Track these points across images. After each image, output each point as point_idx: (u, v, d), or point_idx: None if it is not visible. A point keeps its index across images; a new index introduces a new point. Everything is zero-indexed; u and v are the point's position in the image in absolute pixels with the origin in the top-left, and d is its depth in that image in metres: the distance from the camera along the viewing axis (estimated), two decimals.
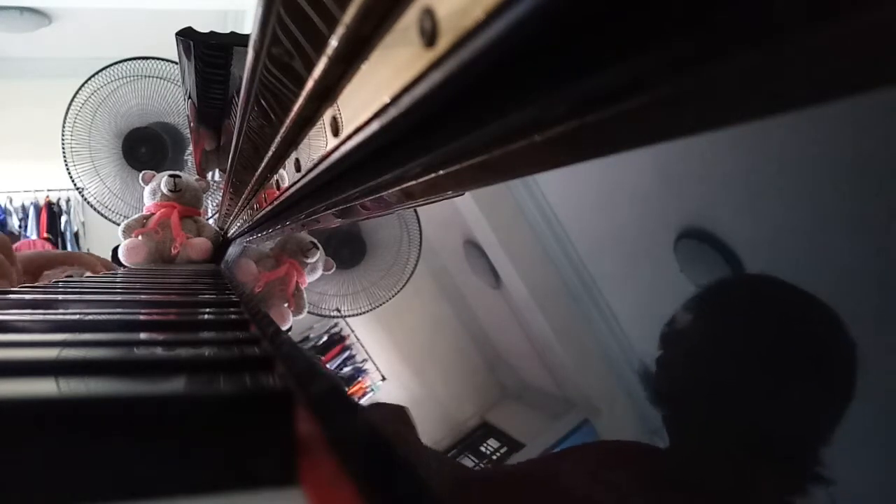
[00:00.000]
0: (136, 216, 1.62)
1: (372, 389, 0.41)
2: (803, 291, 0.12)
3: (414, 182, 0.25)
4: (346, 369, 0.46)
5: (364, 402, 0.40)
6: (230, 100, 1.06)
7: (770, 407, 0.13)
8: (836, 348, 0.12)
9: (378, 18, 0.21)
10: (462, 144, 0.19)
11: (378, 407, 0.39)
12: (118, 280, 0.77)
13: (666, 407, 0.17)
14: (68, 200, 4.85)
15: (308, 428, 0.23)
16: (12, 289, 0.54)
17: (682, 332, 0.16)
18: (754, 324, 0.14)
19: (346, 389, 0.42)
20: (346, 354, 0.48)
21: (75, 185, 2.32)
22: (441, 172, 0.22)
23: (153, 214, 1.59)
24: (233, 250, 1.40)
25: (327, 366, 0.49)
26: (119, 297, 0.54)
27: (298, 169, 0.43)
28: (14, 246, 0.73)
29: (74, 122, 2.27)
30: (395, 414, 0.33)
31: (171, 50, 1.19)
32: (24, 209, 4.80)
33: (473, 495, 0.24)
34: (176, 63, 1.29)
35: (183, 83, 1.21)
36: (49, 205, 4.82)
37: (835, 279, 0.12)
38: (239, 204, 1.01)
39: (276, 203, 0.59)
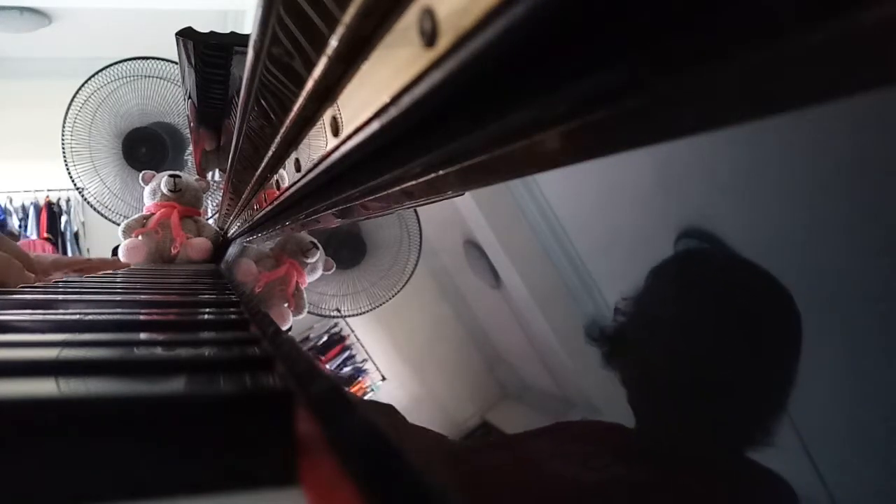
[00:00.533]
0: (136, 216, 1.62)
1: (372, 389, 0.41)
2: (742, 265, 0.13)
3: (414, 182, 0.25)
4: (346, 369, 0.46)
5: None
6: (230, 100, 1.06)
7: (720, 385, 0.14)
8: (782, 320, 0.12)
9: (378, 18, 0.21)
10: (462, 144, 0.19)
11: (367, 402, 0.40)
12: (118, 280, 0.77)
13: (631, 385, 0.17)
14: (68, 200, 4.85)
15: (308, 428, 0.23)
16: (12, 289, 0.54)
17: (642, 315, 0.17)
18: (703, 299, 0.15)
19: (346, 389, 0.42)
20: (346, 354, 0.48)
21: (75, 185, 2.32)
22: (441, 172, 0.22)
23: (153, 214, 1.59)
24: (233, 250, 1.40)
25: (327, 366, 0.49)
26: (119, 297, 0.54)
27: (298, 169, 0.43)
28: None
29: (74, 122, 2.27)
30: (383, 409, 0.33)
31: (171, 50, 1.19)
32: (24, 209, 4.80)
33: (453, 469, 0.24)
34: (176, 63, 1.29)
35: (183, 83, 1.21)
36: (49, 205, 4.82)
37: (834, 279, 0.12)
38: (239, 204, 1.01)
39: (276, 203, 0.59)
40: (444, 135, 0.20)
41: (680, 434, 0.16)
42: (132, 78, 2.25)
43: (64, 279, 0.72)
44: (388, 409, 0.34)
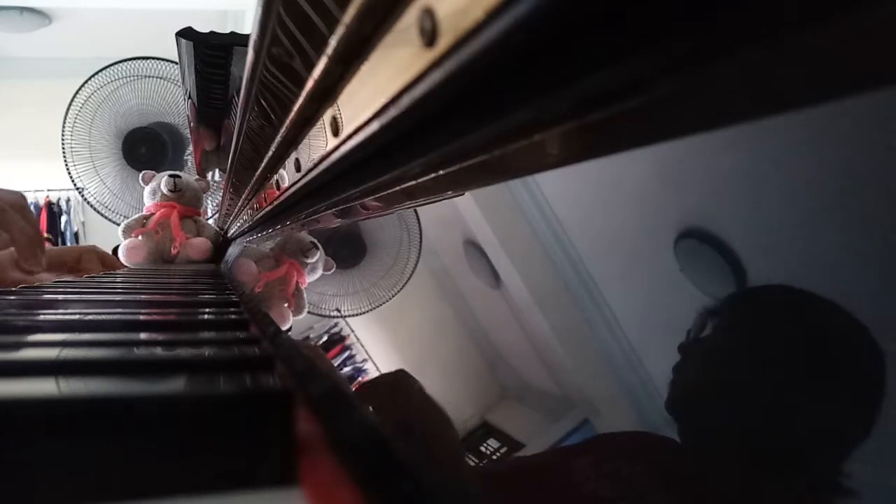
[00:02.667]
0: (136, 216, 1.62)
1: None
2: (825, 300, 0.12)
3: (414, 182, 0.25)
4: (346, 369, 0.46)
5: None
6: (230, 100, 1.06)
7: (781, 414, 0.13)
8: (860, 361, 0.11)
9: (378, 18, 0.21)
10: (462, 144, 0.19)
11: (372, 384, 0.39)
12: (118, 280, 0.77)
13: (680, 414, 0.16)
14: (68, 200, 4.84)
15: (308, 428, 0.23)
16: (12, 289, 0.54)
17: (699, 341, 0.16)
18: (773, 333, 0.14)
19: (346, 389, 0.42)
20: (346, 354, 0.48)
21: (75, 185, 2.32)
22: (441, 172, 0.22)
23: (153, 214, 1.59)
24: (233, 250, 1.40)
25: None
26: (119, 297, 0.54)
27: (298, 169, 0.43)
28: None
29: (74, 122, 2.27)
30: (392, 384, 0.33)
31: (171, 50, 1.19)
32: None
33: (484, 490, 0.24)
34: (176, 63, 1.29)
35: (183, 83, 1.21)
36: (49, 205, 4.82)
37: (834, 279, 0.12)
38: (239, 204, 1.01)
39: (276, 203, 0.59)
40: (444, 135, 0.20)
41: (720, 456, 0.15)
42: (132, 78, 2.25)
43: (64, 279, 0.72)
44: (397, 376, 0.33)
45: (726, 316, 0.15)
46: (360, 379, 0.44)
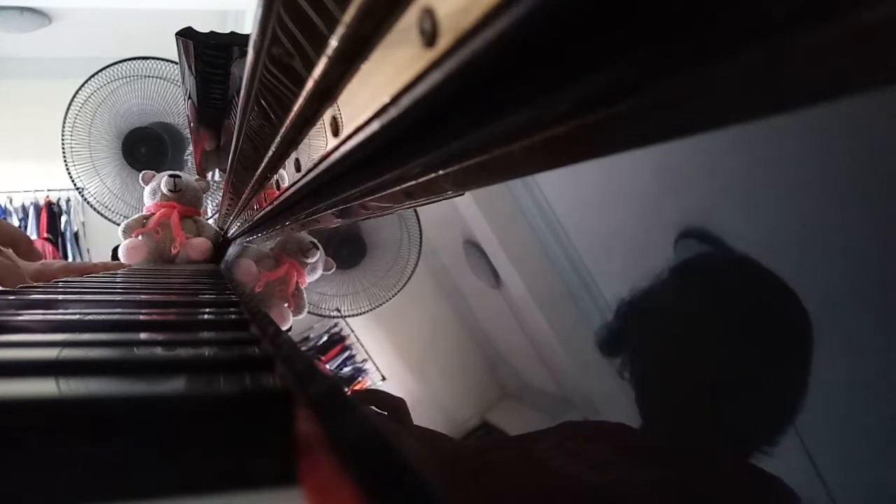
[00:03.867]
0: (136, 216, 1.62)
1: None
2: (756, 270, 0.13)
3: (414, 182, 0.25)
4: (346, 369, 0.46)
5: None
6: (230, 100, 1.06)
7: (727, 381, 0.14)
8: (787, 322, 0.12)
9: (378, 18, 0.21)
10: (462, 144, 0.19)
11: (376, 393, 0.40)
12: (118, 280, 0.77)
13: (639, 388, 0.17)
14: (68, 200, 4.84)
15: (308, 428, 0.23)
16: (12, 288, 0.54)
17: (653, 311, 0.17)
18: (717, 302, 0.15)
19: (347, 389, 0.42)
20: (346, 354, 0.48)
21: (75, 185, 2.32)
22: (441, 172, 0.22)
23: (153, 214, 1.59)
24: (233, 250, 1.40)
25: (327, 366, 0.49)
26: (119, 297, 0.54)
27: (298, 169, 0.43)
28: None
29: (74, 122, 2.27)
30: (392, 403, 0.33)
31: (171, 50, 1.19)
32: (24, 209, 4.80)
33: (459, 468, 0.24)
34: (176, 63, 1.29)
35: (183, 83, 1.21)
36: (49, 205, 4.82)
37: (834, 279, 0.12)
38: (239, 204, 1.01)
39: (276, 203, 0.59)
40: (444, 135, 0.20)
41: (685, 435, 0.16)
42: (132, 78, 2.25)
43: (64, 279, 0.72)
44: (398, 402, 0.34)
45: (671, 290, 0.16)
46: (360, 379, 0.44)
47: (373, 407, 0.36)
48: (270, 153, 0.52)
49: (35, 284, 0.61)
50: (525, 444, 0.22)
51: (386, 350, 0.44)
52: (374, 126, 0.23)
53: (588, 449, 0.19)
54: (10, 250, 0.69)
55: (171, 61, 2.07)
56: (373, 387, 0.41)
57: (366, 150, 0.27)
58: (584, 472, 0.18)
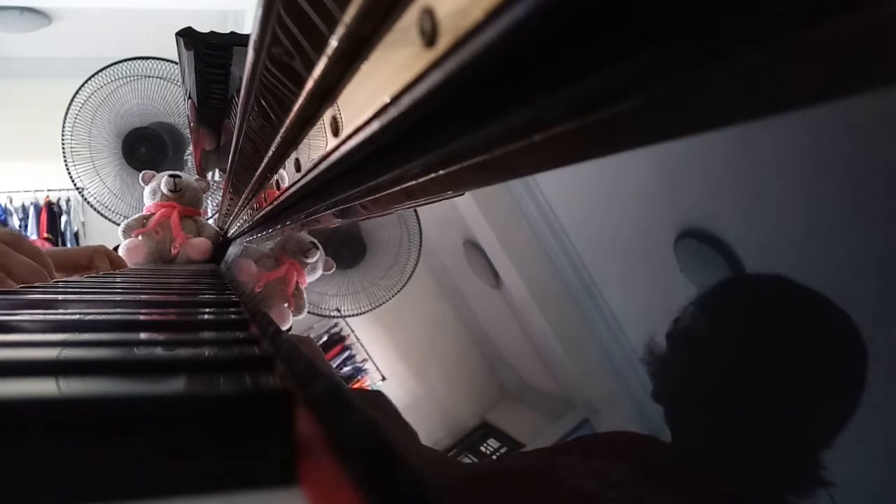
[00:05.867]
0: (136, 216, 1.62)
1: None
2: (811, 292, 0.12)
3: (414, 182, 0.25)
4: (346, 369, 0.46)
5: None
6: (230, 100, 1.06)
7: (769, 408, 0.13)
8: (843, 353, 0.12)
9: (378, 18, 0.21)
10: (462, 144, 0.19)
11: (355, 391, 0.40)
12: (118, 280, 0.77)
13: (668, 403, 0.17)
14: (68, 200, 4.85)
15: (308, 428, 0.23)
16: (12, 289, 0.54)
17: (686, 331, 0.16)
18: (759, 324, 0.14)
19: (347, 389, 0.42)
20: (346, 354, 0.48)
21: (75, 185, 2.32)
22: (441, 172, 0.22)
23: (153, 214, 1.59)
24: (233, 250, 1.40)
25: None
26: (119, 297, 0.54)
27: (298, 169, 0.43)
28: None
29: (74, 122, 2.27)
30: (372, 399, 0.33)
31: (171, 50, 1.19)
32: (24, 209, 4.80)
33: (470, 491, 0.24)
34: (176, 63, 1.29)
35: (183, 83, 1.21)
36: (49, 205, 4.82)
37: (834, 278, 0.12)
38: (239, 204, 1.01)
39: (276, 203, 0.59)
40: (444, 135, 0.20)
41: (719, 455, 0.15)
42: (132, 78, 2.25)
43: (64, 279, 0.72)
44: (375, 395, 0.34)
45: (714, 306, 0.15)
46: (360, 379, 0.44)
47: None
48: (270, 153, 0.52)
49: (35, 284, 0.61)
50: (542, 463, 0.22)
51: (386, 350, 0.44)
52: (374, 126, 0.23)
53: (605, 465, 0.18)
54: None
55: (171, 61, 2.07)
56: (372, 387, 0.41)
57: (366, 150, 0.27)
58: (599, 491, 0.18)
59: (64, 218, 4.85)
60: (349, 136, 0.27)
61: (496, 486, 0.24)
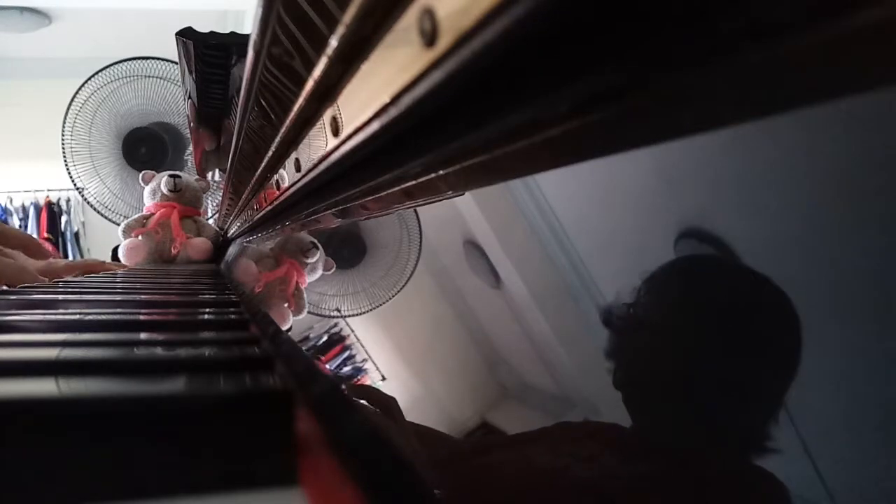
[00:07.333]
0: (136, 216, 1.62)
1: None
2: (745, 270, 0.13)
3: (414, 182, 0.25)
4: (346, 369, 0.46)
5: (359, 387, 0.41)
6: (230, 100, 1.06)
7: (718, 385, 0.14)
8: (778, 329, 0.12)
9: (378, 18, 0.21)
10: (462, 144, 0.19)
11: (368, 389, 0.40)
12: (118, 280, 0.77)
13: (627, 388, 0.17)
14: (68, 200, 4.84)
15: (308, 428, 0.23)
16: (12, 289, 0.54)
17: (637, 317, 0.17)
18: (700, 304, 0.15)
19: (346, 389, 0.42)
20: (346, 354, 0.48)
21: (75, 185, 2.32)
22: (441, 172, 0.22)
23: (153, 214, 1.59)
24: (233, 250, 1.40)
25: (327, 366, 0.49)
26: (119, 297, 0.54)
27: (298, 169, 0.43)
28: None
29: (74, 122, 2.27)
30: (384, 402, 0.33)
31: (171, 50, 1.19)
32: (24, 209, 4.80)
33: (455, 468, 0.24)
34: (176, 63, 1.29)
35: (183, 83, 1.21)
36: (49, 205, 4.82)
37: (834, 279, 0.12)
38: (239, 204, 1.01)
39: (276, 203, 0.59)
40: (445, 135, 0.20)
41: (677, 432, 0.16)
42: (132, 78, 2.25)
43: (64, 279, 0.72)
44: (390, 401, 0.34)
45: (659, 290, 0.16)
46: (360, 379, 0.44)
47: (363, 402, 0.36)
48: (270, 153, 0.52)
49: (36, 284, 0.61)
50: (520, 444, 0.22)
51: (386, 350, 0.44)
52: (374, 126, 0.23)
53: (582, 448, 0.19)
54: (19, 251, 0.69)
55: (171, 61, 2.07)
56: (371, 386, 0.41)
57: (366, 150, 0.27)
58: (577, 472, 0.19)
59: (64, 218, 4.85)
60: (349, 136, 0.27)
61: (477, 464, 0.24)
